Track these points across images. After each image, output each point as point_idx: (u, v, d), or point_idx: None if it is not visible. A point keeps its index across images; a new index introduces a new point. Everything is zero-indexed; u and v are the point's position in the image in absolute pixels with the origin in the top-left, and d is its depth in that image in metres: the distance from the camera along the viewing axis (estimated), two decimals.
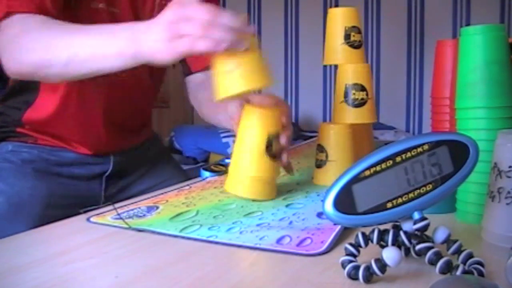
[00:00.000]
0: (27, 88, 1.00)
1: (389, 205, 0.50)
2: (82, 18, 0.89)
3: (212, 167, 1.02)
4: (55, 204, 0.96)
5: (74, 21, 0.84)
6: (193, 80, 1.17)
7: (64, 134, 1.02)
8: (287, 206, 0.77)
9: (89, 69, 0.80)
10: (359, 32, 0.97)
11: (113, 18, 0.95)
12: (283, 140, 0.85)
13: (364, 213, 0.50)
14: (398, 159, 0.50)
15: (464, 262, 0.50)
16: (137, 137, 1.15)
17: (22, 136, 1.02)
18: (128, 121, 1.11)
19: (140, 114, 1.16)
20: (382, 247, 0.52)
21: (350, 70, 0.93)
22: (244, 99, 0.89)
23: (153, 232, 0.66)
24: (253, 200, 0.80)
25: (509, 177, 0.58)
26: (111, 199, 1.02)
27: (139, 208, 0.78)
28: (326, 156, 0.90)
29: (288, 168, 0.88)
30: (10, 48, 0.84)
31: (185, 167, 1.75)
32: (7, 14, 0.83)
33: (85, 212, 0.76)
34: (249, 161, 0.81)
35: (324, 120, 3.09)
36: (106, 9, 0.95)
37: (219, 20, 0.70)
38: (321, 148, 0.91)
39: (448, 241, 0.51)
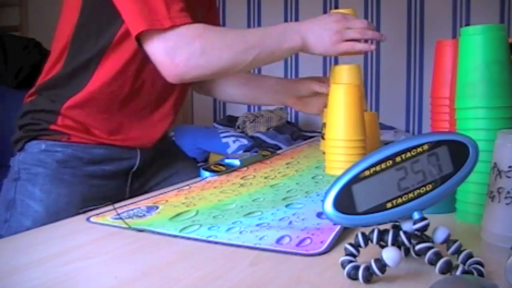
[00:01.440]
0: (77, 78, 1.02)
1: (388, 205, 0.50)
2: None
3: (212, 167, 1.02)
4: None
5: None
6: None
7: (103, 125, 1.05)
8: (286, 206, 0.77)
9: (266, 63, 1.04)
10: None
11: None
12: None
13: (364, 213, 0.50)
14: (398, 159, 0.50)
15: (464, 262, 0.50)
16: (164, 130, 1.18)
17: (55, 134, 1.02)
18: (169, 109, 1.14)
19: (178, 105, 1.18)
20: (382, 247, 0.52)
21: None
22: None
23: (153, 232, 0.66)
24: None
25: (509, 177, 0.58)
26: (134, 193, 1.05)
27: (139, 208, 0.78)
28: None
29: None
30: (195, 64, 0.95)
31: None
32: (172, 27, 0.93)
33: (84, 212, 0.76)
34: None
35: None
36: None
37: (369, 27, 1.03)
38: None
39: (448, 241, 0.51)
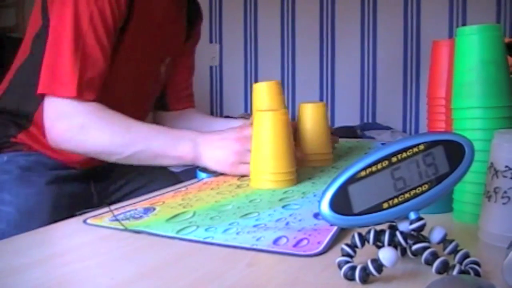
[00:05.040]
0: (21, 115, 1.04)
1: (385, 205, 0.50)
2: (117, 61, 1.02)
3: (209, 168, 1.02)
4: (61, 206, 0.98)
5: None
6: (169, 113, 1.33)
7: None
8: (283, 207, 0.77)
9: (147, 163, 0.97)
10: None
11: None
12: None
13: (360, 213, 0.50)
14: (394, 159, 0.50)
15: (460, 262, 0.50)
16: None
17: (16, 145, 1.04)
18: None
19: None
20: (379, 247, 0.52)
21: None
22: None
23: (149, 233, 0.66)
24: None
25: (505, 177, 0.58)
26: (104, 197, 1.06)
27: (136, 209, 0.77)
28: None
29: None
30: (71, 137, 0.94)
31: (181, 168, 1.77)
32: (67, 97, 0.93)
33: (81, 214, 0.76)
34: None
35: None
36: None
37: None
38: None
39: (444, 241, 0.51)
